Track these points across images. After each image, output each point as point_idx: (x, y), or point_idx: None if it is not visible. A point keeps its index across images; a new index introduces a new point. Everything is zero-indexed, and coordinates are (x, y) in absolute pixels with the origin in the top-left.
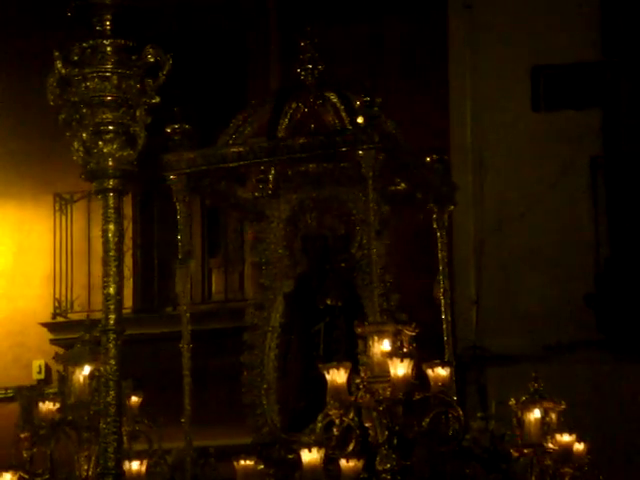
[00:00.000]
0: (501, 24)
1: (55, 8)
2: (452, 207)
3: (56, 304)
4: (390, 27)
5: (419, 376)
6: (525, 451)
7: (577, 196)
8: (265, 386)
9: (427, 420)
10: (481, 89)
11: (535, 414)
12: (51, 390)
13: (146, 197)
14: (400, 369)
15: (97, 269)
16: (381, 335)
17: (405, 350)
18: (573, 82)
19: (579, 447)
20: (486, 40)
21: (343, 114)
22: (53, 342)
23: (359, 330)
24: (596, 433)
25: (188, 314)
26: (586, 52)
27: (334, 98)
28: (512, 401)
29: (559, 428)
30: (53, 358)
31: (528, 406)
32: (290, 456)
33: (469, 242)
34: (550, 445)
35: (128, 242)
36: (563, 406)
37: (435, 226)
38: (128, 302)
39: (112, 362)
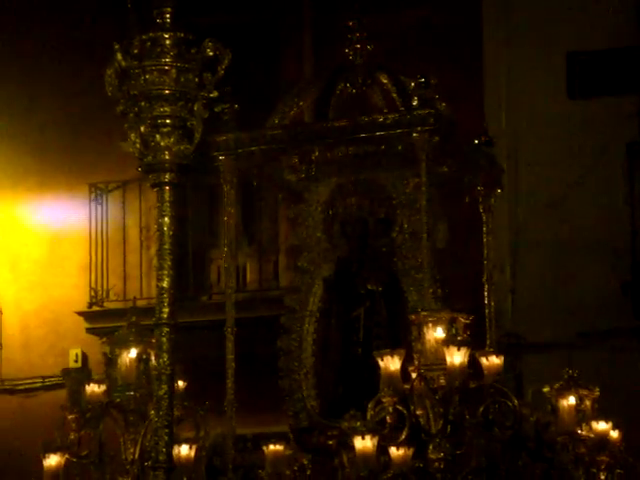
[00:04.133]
0: (536, 10)
1: (96, 3)
2: (499, 190)
3: (92, 293)
4: (424, 14)
5: (470, 364)
6: (559, 439)
7: (613, 183)
8: (304, 371)
9: (481, 409)
10: (516, 76)
11: (569, 401)
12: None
13: (180, 185)
14: (457, 357)
15: (132, 258)
16: (436, 322)
17: (460, 338)
18: (609, 68)
19: (614, 435)
20: (521, 26)
21: (394, 95)
22: (89, 331)
23: (413, 317)
24: (632, 421)
25: (233, 297)
26: (622, 38)
27: (385, 79)
28: (546, 388)
29: (594, 415)
30: (101, 339)
31: (562, 393)
32: (330, 442)
33: (504, 230)
34: (584, 433)
35: None
36: (597, 393)
37: (481, 210)
38: None
39: (165, 356)
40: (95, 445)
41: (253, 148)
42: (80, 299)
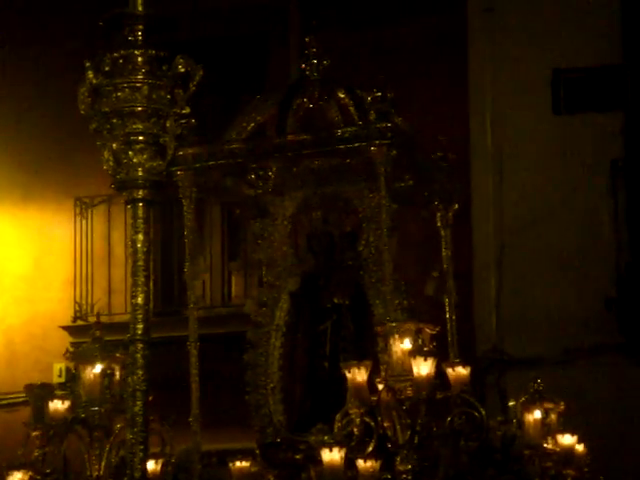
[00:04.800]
0: (521, 27)
1: (80, 16)
2: (456, 205)
3: (76, 307)
4: (409, 31)
5: (437, 375)
6: (525, 452)
7: (598, 199)
8: (271, 385)
9: (449, 420)
10: (501, 92)
11: (535, 415)
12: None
13: (165, 200)
14: (424, 368)
15: (117, 273)
16: (403, 333)
17: (426, 349)
18: (594, 85)
19: (579, 449)
20: (506, 43)
21: (352, 109)
22: (74, 345)
23: (379, 329)
24: (616, 436)
25: (196, 312)
26: (607, 55)
27: (342, 94)
28: (512, 401)
29: (559, 429)
30: (63, 355)
31: (528, 407)
32: (297, 456)
33: (489, 246)
34: (550, 446)
35: None
36: (562, 407)
37: (439, 224)
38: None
39: (139, 372)
40: (59, 462)
41: (211, 163)
42: (65, 314)
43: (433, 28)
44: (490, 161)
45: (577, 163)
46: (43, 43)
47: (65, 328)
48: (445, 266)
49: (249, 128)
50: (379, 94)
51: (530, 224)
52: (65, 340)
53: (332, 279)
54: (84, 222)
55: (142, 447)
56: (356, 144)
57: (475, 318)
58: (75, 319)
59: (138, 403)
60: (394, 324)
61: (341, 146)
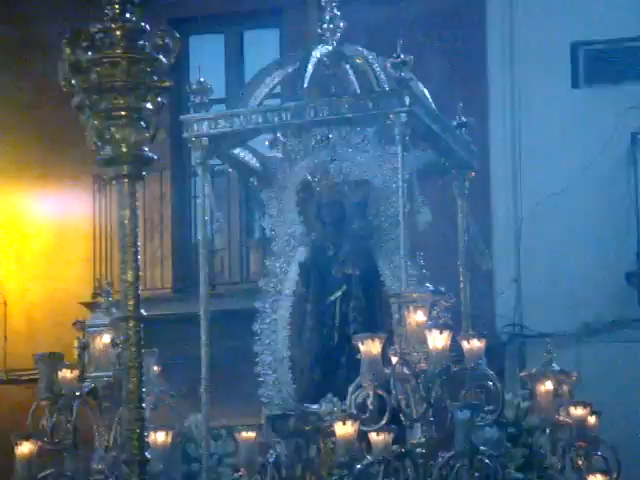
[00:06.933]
0: (540, 0)
1: None
2: (473, 173)
3: (96, 284)
4: (427, 5)
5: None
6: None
7: (617, 172)
8: (280, 356)
9: (464, 393)
10: (520, 66)
11: (547, 386)
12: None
13: (184, 176)
14: (439, 340)
15: None
16: (417, 305)
17: (442, 321)
18: (613, 58)
19: (591, 420)
20: (525, 16)
21: (369, 75)
22: None
23: (393, 300)
24: (637, 410)
25: (207, 281)
26: (625, 27)
27: (359, 60)
28: (524, 373)
29: (572, 400)
30: (73, 325)
31: (539, 378)
32: (306, 427)
33: (508, 219)
34: (562, 418)
35: (167, 222)
36: (575, 378)
37: (456, 193)
38: (168, 282)
39: (133, 349)
40: (69, 432)
41: (226, 129)
42: (84, 290)
43: (450, 3)
44: (509, 134)
45: (596, 136)
46: (62, 22)
47: (85, 304)
48: (461, 235)
49: (263, 95)
50: (398, 60)
51: (549, 197)
52: (85, 316)
53: (342, 249)
54: (102, 199)
55: (139, 424)
56: (374, 111)
57: (495, 292)
58: (95, 295)
59: (133, 380)
60: (415, 295)
61: (359, 113)
